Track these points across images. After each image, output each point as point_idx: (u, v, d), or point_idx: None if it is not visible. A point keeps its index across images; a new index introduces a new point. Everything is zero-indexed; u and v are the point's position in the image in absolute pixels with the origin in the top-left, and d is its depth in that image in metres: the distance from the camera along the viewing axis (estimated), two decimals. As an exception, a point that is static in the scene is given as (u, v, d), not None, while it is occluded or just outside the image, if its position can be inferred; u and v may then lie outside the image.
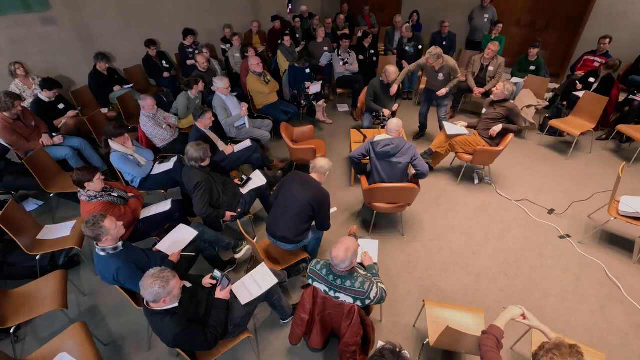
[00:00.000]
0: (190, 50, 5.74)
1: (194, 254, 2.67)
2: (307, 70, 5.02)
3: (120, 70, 5.27)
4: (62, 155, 3.67)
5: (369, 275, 2.10)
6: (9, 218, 2.63)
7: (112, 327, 2.62)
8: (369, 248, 2.45)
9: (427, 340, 2.11)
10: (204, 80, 4.34)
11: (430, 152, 4.15)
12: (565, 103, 4.90)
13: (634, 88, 4.82)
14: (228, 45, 6.18)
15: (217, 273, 2.17)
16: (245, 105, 4.08)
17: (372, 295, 1.91)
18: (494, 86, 3.77)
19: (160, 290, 1.72)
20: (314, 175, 2.59)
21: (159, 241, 2.67)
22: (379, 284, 2.02)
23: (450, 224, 3.50)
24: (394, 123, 3.09)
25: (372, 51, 5.95)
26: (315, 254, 2.93)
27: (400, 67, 6.08)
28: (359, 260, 2.35)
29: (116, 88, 4.78)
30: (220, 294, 2.09)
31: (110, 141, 3.12)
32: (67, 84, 4.78)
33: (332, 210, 2.77)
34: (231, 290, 2.15)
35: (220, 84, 3.97)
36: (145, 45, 5.29)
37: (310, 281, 2.04)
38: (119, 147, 3.13)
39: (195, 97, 4.31)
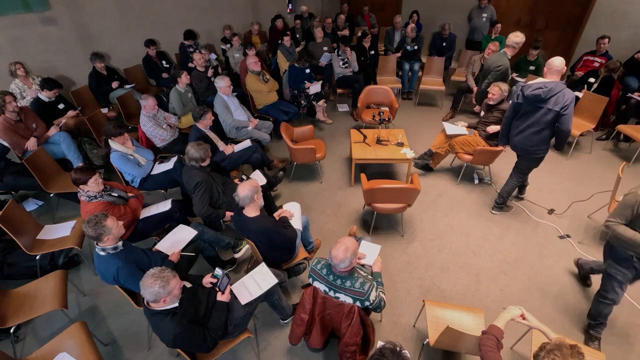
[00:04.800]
0: (191, 49, 5.73)
1: (193, 254, 2.67)
2: (307, 70, 5.02)
3: (120, 70, 5.26)
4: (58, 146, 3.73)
5: (369, 277, 2.10)
6: (9, 218, 2.63)
7: (112, 327, 2.62)
8: (370, 252, 2.41)
9: (427, 340, 2.11)
10: (188, 73, 4.32)
11: (430, 152, 4.15)
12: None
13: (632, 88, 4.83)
14: (228, 46, 6.18)
15: (218, 271, 2.17)
16: (254, 121, 4.19)
17: (372, 297, 1.91)
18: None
19: (160, 290, 1.72)
20: (248, 210, 2.39)
21: (159, 241, 2.68)
22: (380, 293, 2.03)
23: (450, 224, 3.50)
24: (559, 60, 2.61)
25: (372, 51, 5.95)
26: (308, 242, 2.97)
27: (401, 67, 6.10)
28: (367, 262, 2.35)
29: (114, 84, 4.76)
30: (222, 297, 2.09)
31: (110, 141, 3.12)
32: (67, 84, 4.77)
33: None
34: (231, 290, 2.16)
35: (222, 83, 3.96)
36: (145, 45, 5.29)
37: (310, 280, 2.05)
38: (119, 147, 3.14)
39: (185, 91, 4.30)
